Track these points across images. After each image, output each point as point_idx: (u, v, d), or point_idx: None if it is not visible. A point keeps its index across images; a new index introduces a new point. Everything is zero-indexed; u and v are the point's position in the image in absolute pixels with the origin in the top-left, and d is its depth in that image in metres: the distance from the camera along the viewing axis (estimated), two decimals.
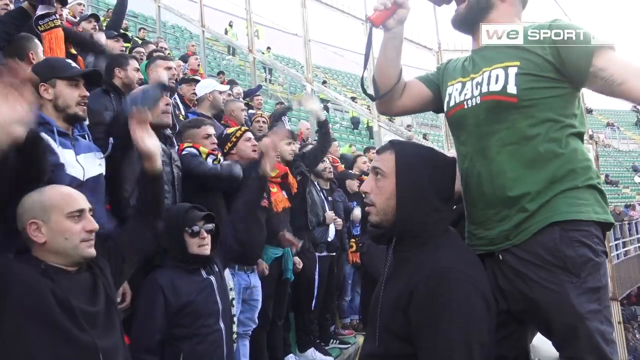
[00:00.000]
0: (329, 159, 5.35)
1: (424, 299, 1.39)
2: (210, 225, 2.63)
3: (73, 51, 3.82)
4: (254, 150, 3.52)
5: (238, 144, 3.61)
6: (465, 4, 1.72)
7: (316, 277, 4.46)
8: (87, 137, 2.38)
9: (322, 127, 4.84)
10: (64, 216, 1.74)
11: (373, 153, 7.17)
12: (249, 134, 3.66)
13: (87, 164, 2.26)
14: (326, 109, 17.52)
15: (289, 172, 4.13)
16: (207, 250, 2.58)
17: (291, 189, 4.13)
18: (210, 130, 3.37)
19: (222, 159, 3.38)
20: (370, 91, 1.93)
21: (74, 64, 2.41)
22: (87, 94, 2.30)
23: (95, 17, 5.30)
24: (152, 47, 6.64)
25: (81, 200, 1.80)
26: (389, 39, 1.77)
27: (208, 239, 2.59)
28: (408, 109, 1.94)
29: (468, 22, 1.73)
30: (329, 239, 4.71)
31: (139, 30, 12.74)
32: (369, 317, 1.63)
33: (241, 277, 3.43)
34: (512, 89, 1.57)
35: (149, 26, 15.18)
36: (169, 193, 2.77)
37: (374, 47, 1.87)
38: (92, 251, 1.78)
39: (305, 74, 11.91)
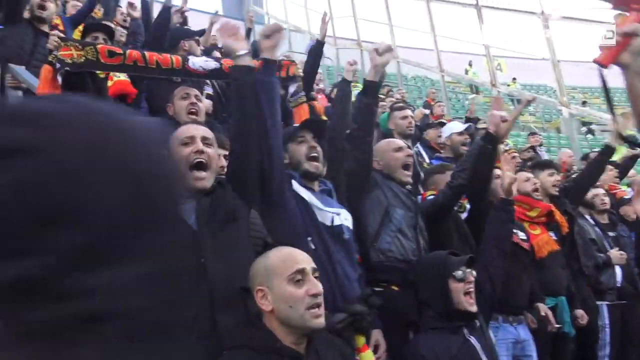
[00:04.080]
0: (603, 186, 4.54)
1: None
2: (474, 271, 2.33)
3: None
4: None
5: None
6: None
7: (607, 330, 3.75)
8: (332, 194, 2.41)
9: (605, 154, 4.14)
10: (285, 280, 1.55)
11: None
12: None
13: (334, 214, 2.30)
14: (590, 132, 15.49)
15: (553, 209, 3.62)
16: (474, 305, 2.28)
17: (561, 229, 3.61)
18: None
19: None
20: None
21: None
22: (316, 146, 2.33)
23: None
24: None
25: (301, 260, 1.61)
26: (633, 76, 1.46)
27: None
28: None
29: None
30: (618, 284, 3.91)
31: (383, 87, 13.58)
32: None
33: (507, 330, 3.04)
34: None
35: (392, 82, 16.05)
36: (412, 239, 2.66)
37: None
38: (321, 321, 1.58)
39: (559, 98, 10.92)
